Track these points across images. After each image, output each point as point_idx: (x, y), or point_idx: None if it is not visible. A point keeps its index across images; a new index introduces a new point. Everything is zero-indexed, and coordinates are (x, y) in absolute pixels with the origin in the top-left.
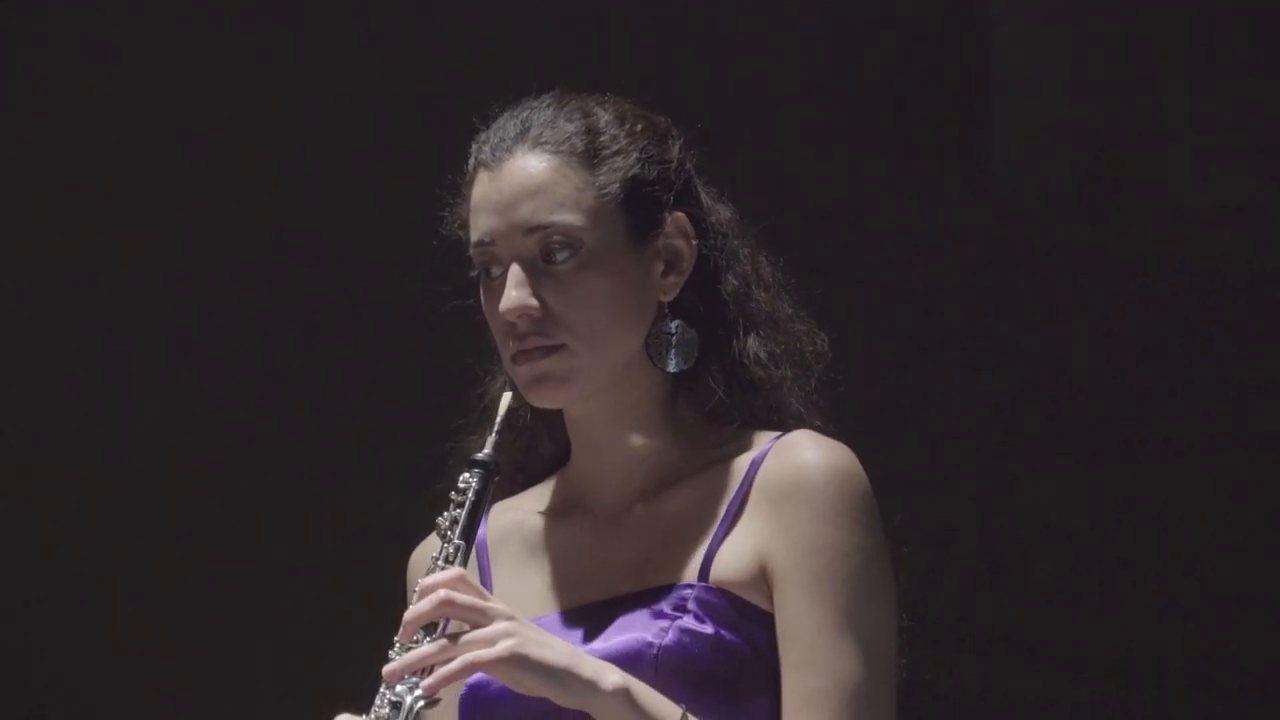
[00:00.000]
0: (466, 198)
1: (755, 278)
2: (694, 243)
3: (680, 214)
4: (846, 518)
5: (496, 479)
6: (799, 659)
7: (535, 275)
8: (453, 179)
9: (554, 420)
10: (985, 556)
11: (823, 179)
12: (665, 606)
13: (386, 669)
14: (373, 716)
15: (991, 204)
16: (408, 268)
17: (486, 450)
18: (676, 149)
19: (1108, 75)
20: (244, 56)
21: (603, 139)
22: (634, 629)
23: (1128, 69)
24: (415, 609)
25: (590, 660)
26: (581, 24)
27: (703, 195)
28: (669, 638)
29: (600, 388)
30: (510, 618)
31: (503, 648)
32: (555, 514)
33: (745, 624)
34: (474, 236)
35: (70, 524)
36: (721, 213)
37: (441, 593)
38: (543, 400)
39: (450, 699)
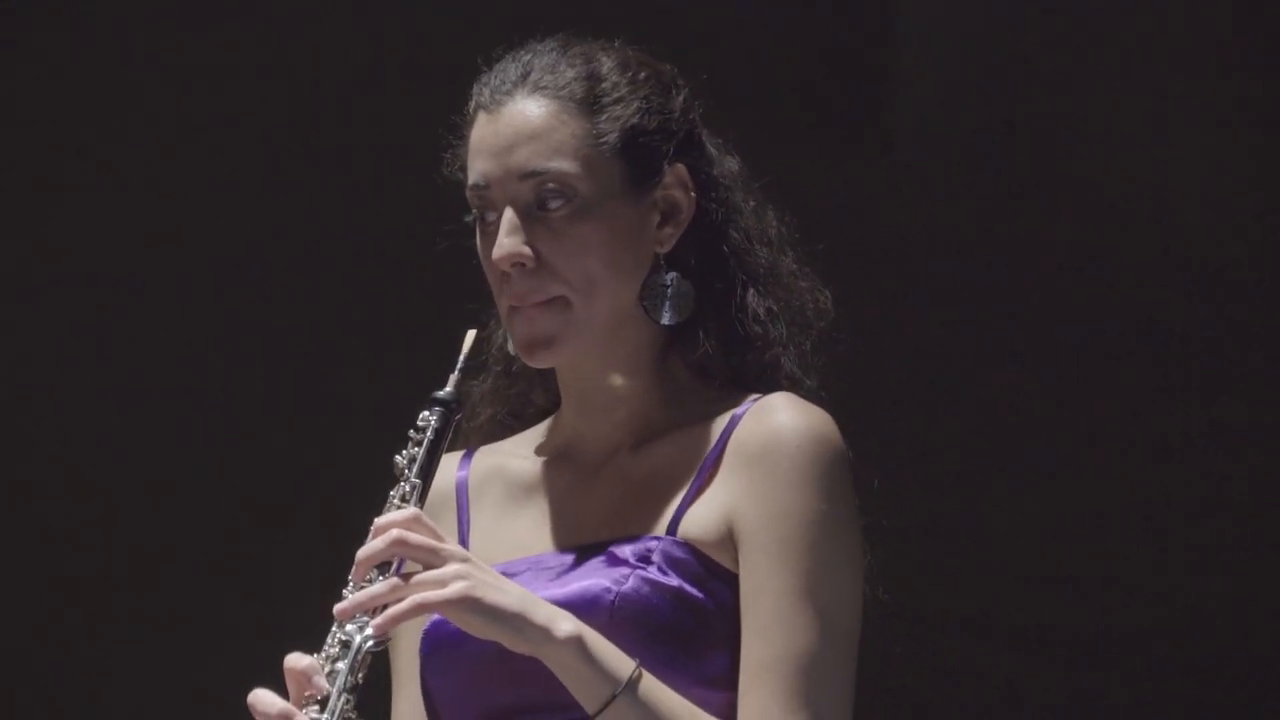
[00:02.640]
0: (465, 139)
1: (758, 232)
2: (692, 195)
3: (680, 165)
4: (816, 484)
5: (458, 418)
6: (758, 624)
7: (529, 222)
8: (454, 119)
9: (549, 370)
10: (940, 535)
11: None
12: (629, 556)
13: (337, 607)
14: (323, 655)
15: (897, 175)
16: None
17: (448, 388)
18: (680, 99)
19: (1014, 48)
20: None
21: (604, 86)
22: (595, 575)
23: (1035, 43)
24: (368, 548)
25: (544, 606)
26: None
27: (708, 146)
28: (628, 585)
29: (593, 342)
30: (464, 560)
31: (454, 590)
32: (540, 460)
33: (710, 581)
34: (470, 179)
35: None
36: (727, 165)
37: (395, 532)
38: (537, 361)
39: (413, 633)
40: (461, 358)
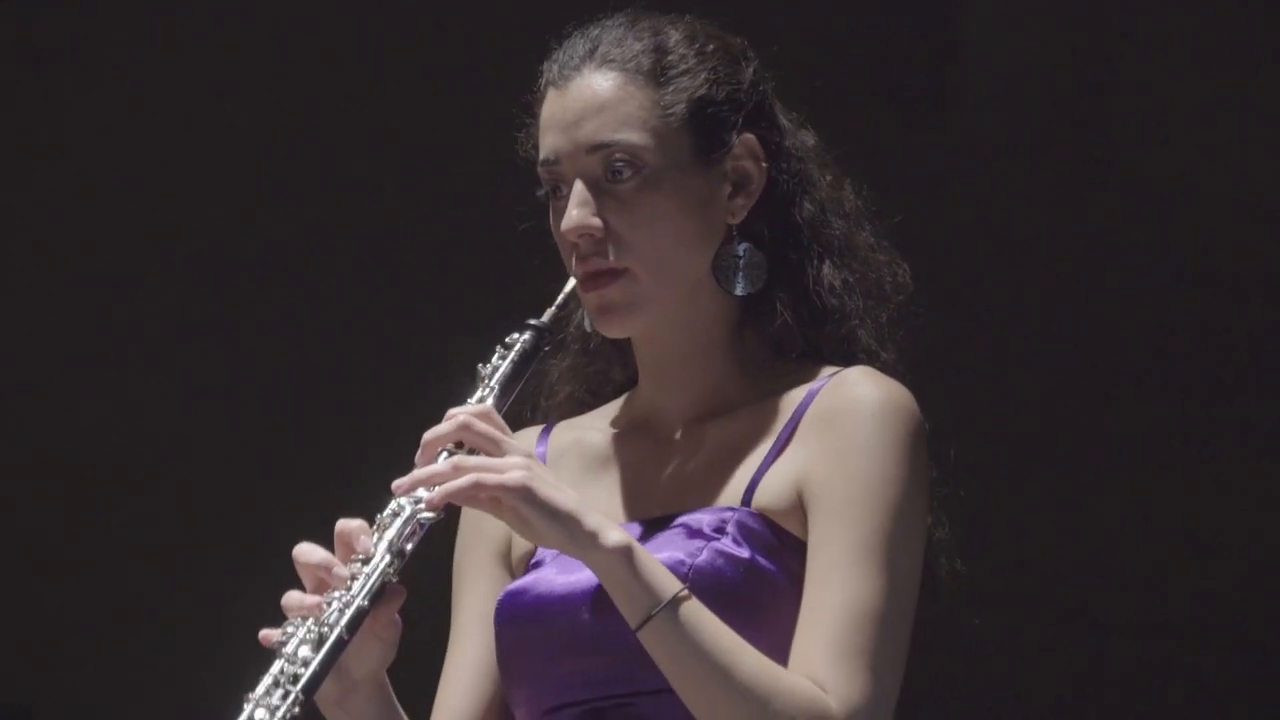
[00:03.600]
0: (536, 116)
1: (833, 204)
2: (763, 165)
3: (750, 136)
4: (887, 450)
5: (547, 348)
6: (819, 575)
7: (599, 195)
8: (526, 99)
9: (627, 346)
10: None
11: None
12: (704, 528)
13: (395, 482)
14: (375, 523)
15: (963, 147)
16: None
17: (544, 318)
18: (750, 71)
19: (1086, 22)
20: None
21: (670, 58)
22: (670, 547)
23: (1106, 17)
24: (434, 430)
25: (598, 515)
26: None
27: (780, 118)
28: (702, 558)
29: (667, 313)
30: (527, 455)
31: (512, 476)
32: (616, 432)
33: (782, 551)
34: (540, 155)
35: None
36: (801, 138)
37: (462, 417)
38: (610, 330)
39: (482, 592)
40: (562, 295)
